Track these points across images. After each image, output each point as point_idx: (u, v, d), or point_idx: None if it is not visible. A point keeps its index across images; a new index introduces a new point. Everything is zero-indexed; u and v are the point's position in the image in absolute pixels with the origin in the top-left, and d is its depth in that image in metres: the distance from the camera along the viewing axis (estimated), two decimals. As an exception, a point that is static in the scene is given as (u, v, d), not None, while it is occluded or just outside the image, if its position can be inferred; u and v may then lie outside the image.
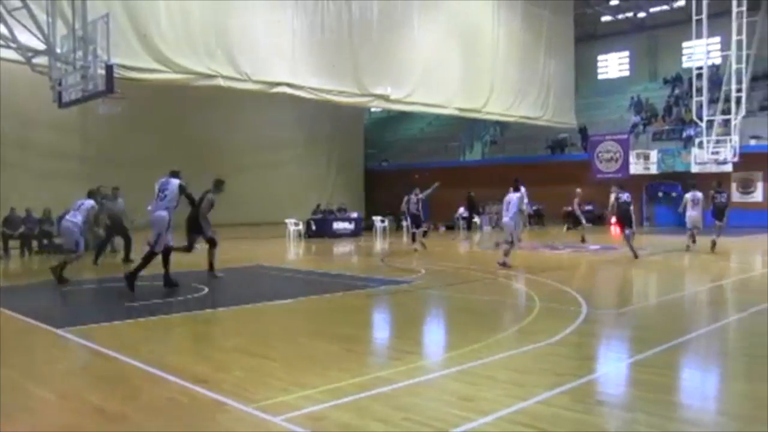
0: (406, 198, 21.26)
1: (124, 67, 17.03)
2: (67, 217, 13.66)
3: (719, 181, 20.00)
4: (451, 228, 32.56)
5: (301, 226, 27.26)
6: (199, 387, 5.68)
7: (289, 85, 22.08)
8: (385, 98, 25.33)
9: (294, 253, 21.58)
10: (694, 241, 19.77)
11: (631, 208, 17.94)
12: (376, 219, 30.78)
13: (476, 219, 33.38)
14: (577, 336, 7.79)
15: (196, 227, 13.51)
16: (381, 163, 43.49)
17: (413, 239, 20.81)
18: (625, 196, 17.99)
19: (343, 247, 23.11)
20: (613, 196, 18.32)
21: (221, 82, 20.43)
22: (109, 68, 13.42)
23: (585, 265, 16.31)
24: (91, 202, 13.86)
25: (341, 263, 17.91)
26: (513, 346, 7.08)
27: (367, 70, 24.21)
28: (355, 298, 11.06)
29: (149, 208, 11.95)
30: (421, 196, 21.18)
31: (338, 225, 28.36)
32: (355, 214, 30.49)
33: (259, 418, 4.95)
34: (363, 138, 44.39)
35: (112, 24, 14.02)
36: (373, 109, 42.97)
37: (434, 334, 8.66)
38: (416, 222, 20.92)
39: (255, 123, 34.73)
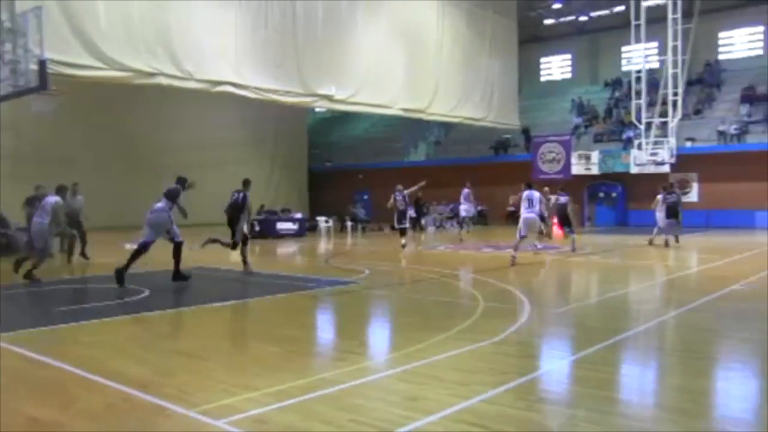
0: (393, 196, 21.60)
1: (58, 62, 16.60)
2: (35, 218, 13.61)
3: (670, 182, 20.71)
4: (395, 228, 32.62)
5: (246, 228, 26.97)
6: (139, 392, 5.58)
7: (232, 84, 21.87)
8: (329, 98, 25.29)
9: (237, 254, 21.32)
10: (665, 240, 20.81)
11: (569, 208, 18.71)
12: (320, 219, 30.71)
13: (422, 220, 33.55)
14: (520, 335, 7.91)
15: (233, 226, 14.78)
16: (325, 164, 43.43)
17: (403, 234, 21.28)
18: (563, 199, 19.06)
19: (287, 248, 22.98)
20: (553, 198, 19.58)
21: (163, 80, 20.11)
22: (42, 63, 13.07)
23: (528, 265, 16.55)
24: (54, 198, 13.76)
25: (285, 264, 17.81)
26: (457, 346, 7.15)
27: (311, 70, 24.13)
28: (299, 300, 11.02)
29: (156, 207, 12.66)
30: (406, 192, 21.63)
31: (282, 225, 28.17)
32: (299, 215, 30.35)
33: (201, 422, 4.89)
34: (307, 138, 44.27)
35: (45, 18, 13.64)
36: (317, 109, 42.89)
37: (379, 335, 8.69)
38: (401, 219, 21.41)
39: (197, 122, 34.36)
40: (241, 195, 14.66)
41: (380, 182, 39.27)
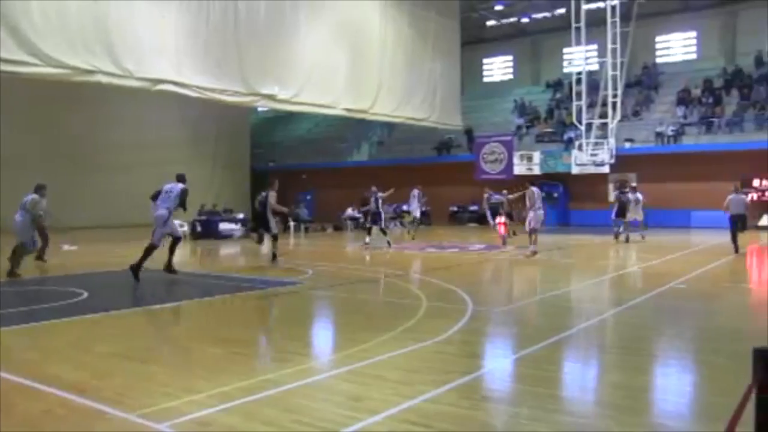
0: (371, 197, 22.21)
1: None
2: (17, 216, 14.50)
3: (623, 181, 21.43)
4: (338, 228, 32.62)
5: (186, 228, 26.61)
6: (78, 396, 5.46)
7: (173, 83, 21.54)
8: (272, 98, 25.12)
9: (178, 254, 21.01)
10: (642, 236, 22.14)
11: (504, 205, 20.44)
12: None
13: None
14: (463, 334, 7.99)
15: (264, 223, 16.64)
16: (268, 164, 43.09)
17: (384, 233, 22.00)
18: (495, 197, 21.39)
19: (229, 249, 22.74)
20: (485, 196, 22.18)
21: (101, 78, 19.70)
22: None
23: (470, 264, 16.72)
24: (31, 196, 14.69)
25: (227, 265, 17.62)
26: (401, 346, 7.18)
27: (254, 70, 23.93)
28: (242, 300, 10.92)
29: (157, 204, 13.50)
30: (380, 195, 22.21)
31: (224, 226, 27.85)
32: (241, 215, 30.05)
33: (141, 426, 4.81)
34: (249, 138, 43.87)
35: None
36: (260, 109, 42.56)
37: (322, 336, 8.67)
38: (375, 219, 22.10)
39: (138, 121, 33.78)
40: (265, 194, 16.53)
41: (324, 182, 39.26)
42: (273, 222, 16.51)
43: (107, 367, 6.55)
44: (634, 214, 23.17)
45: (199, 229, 27.21)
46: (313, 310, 10.51)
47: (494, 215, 22.08)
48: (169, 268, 13.74)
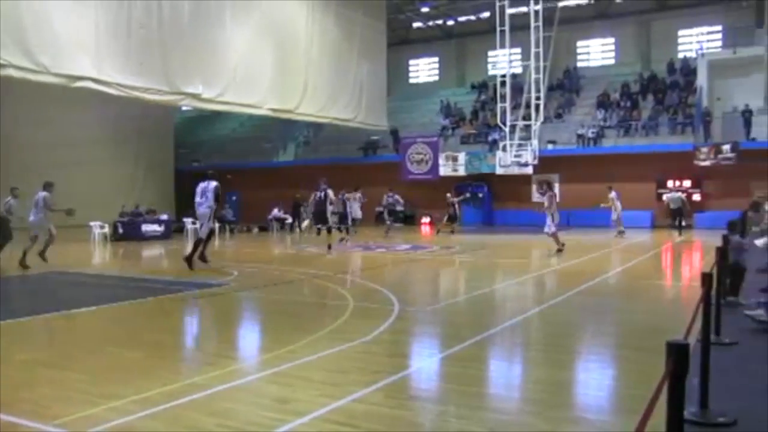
0: (339, 198, 23.50)
1: None
2: (32, 215, 15.98)
3: (549, 181, 22.16)
4: (264, 229, 32.33)
5: (107, 229, 25.95)
6: (-11, 406, 5.24)
7: (93, 80, 20.93)
8: (196, 97, 24.72)
9: (99, 257, 20.52)
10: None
11: (397, 207, 21.86)
12: (187, 221, 29.93)
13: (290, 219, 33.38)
14: (390, 334, 8.03)
15: (322, 219, 19.74)
16: (192, 164, 42.34)
17: (347, 231, 23.64)
18: (392, 198, 23.98)
19: (152, 250, 22.26)
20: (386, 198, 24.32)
21: (13, 72, 18.98)
22: None
23: (397, 264, 16.82)
24: (43, 193, 16.01)
25: (151, 267, 17.25)
26: (328, 347, 7.16)
27: (177, 68, 23.49)
28: (166, 303, 10.71)
29: (196, 203, 15.26)
30: (347, 196, 24.04)
31: (147, 227, 27.24)
32: (164, 216, 29.46)
33: (58, 435, 4.66)
34: (173, 137, 43.05)
35: None
36: (184, 108, 41.79)
37: (248, 338, 8.58)
38: (343, 219, 23.89)
39: (57, 119, 32.68)
40: (323, 193, 19.50)
41: (249, 183, 38.82)
42: (330, 217, 19.83)
43: (22, 376, 6.27)
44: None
45: (120, 230, 26.52)
46: (238, 312, 10.39)
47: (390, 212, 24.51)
48: (199, 258, 15.10)
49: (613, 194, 25.18)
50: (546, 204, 19.10)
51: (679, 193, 27.06)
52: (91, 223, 25.41)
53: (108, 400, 5.35)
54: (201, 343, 8.29)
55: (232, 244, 24.91)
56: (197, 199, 15.19)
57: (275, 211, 33.10)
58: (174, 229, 28.82)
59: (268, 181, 38.15)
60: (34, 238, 16.02)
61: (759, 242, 11.69)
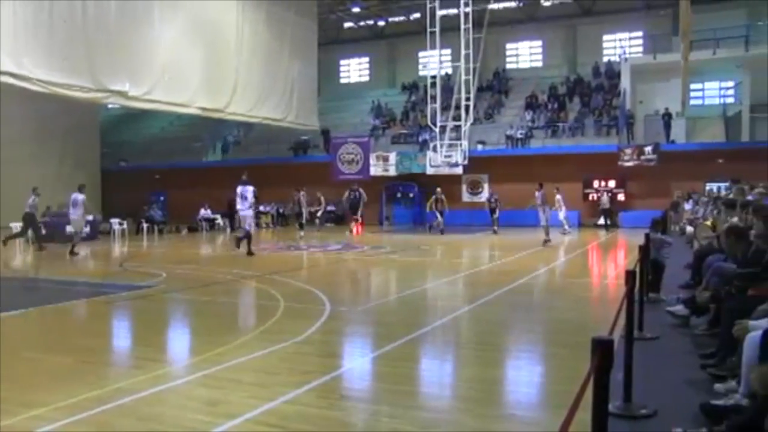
0: (297, 198, 25.94)
1: None
2: (71, 213, 20.21)
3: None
4: (193, 230, 31.81)
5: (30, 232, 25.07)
6: None
7: (12, 75, 20.15)
8: (123, 95, 24.07)
9: (21, 258, 19.86)
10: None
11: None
12: (114, 221, 29.23)
13: (220, 220, 32.97)
14: (321, 334, 8.01)
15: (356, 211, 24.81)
16: (119, 163, 41.38)
17: (302, 228, 25.49)
18: (357, 193, 24.57)
19: (78, 252, 21.61)
20: (349, 194, 24.84)
21: None
22: None
23: (328, 264, 16.80)
24: (81, 196, 20.06)
25: (76, 269, 16.76)
26: (258, 348, 7.10)
27: (103, 65, 22.83)
28: (93, 306, 10.43)
29: (238, 207, 18.51)
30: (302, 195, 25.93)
31: (72, 228, 26.38)
32: (90, 217, 28.66)
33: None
34: (99, 136, 41.91)
35: None
36: (110, 106, 40.73)
37: (177, 340, 8.44)
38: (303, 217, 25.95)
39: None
40: (358, 192, 24.90)
41: (178, 183, 38.16)
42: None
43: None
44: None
45: (43, 231, 25.65)
46: (167, 314, 10.19)
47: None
48: (245, 250, 17.81)
49: (559, 196, 25.79)
50: (538, 202, 22.39)
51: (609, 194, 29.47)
52: (12, 224, 24.57)
53: (30, 408, 5.17)
54: (129, 346, 8.11)
55: (161, 245, 24.44)
56: (238, 201, 18.11)
57: (203, 211, 32.62)
58: (100, 230, 28.09)
59: (197, 181, 37.53)
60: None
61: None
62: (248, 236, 17.99)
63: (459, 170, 32.07)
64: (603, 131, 32.37)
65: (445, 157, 31.61)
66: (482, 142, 33.53)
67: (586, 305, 10.47)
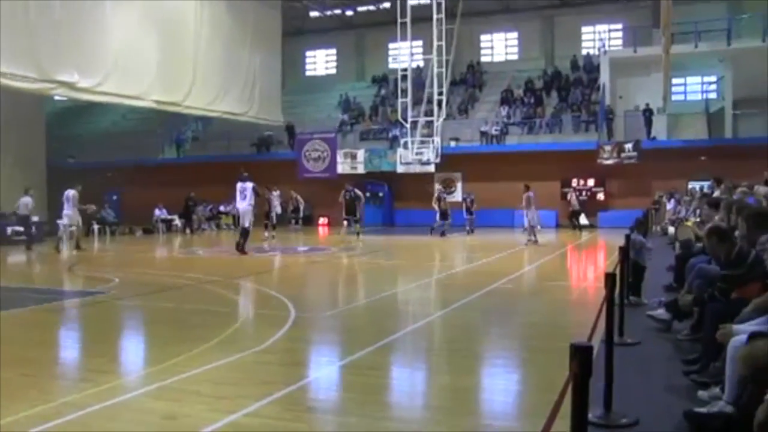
0: (269, 197, 26.25)
1: None
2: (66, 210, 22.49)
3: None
4: (149, 231, 31.49)
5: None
6: None
7: (-58, 62, 19.80)
8: (71, 86, 23.72)
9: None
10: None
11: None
12: (62, 223, 28.84)
13: (178, 222, 32.70)
14: (285, 342, 7.97)
15: (353, 212, 24.93)
16: (67, 160, 40.78)
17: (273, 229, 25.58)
18: (352, 193, 25.06)
19: (20, 255, 21.32)
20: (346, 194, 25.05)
21: None
22: None
23: (293, 268, 16.74)
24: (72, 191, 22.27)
25: (21, 274, 16.50)
26: (218, 357, 7.04)
27: (49, 54, 22.44)
28: (37, 314, 10.26)
29: (237, 205, 20.27)
30: (276, 194, 26.84)
31: (13, 229, 26.11)
32: (35, 218, 28.25)
33: None
34: (45, 130, 41.26)
35: None
36: (57, 98, 40.14)
37: (131, 350, 8.33)
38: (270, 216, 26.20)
39: None
40: (353, 192, 24.86)
41: (132, 181, 37.68)
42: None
43: None
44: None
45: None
46: (119, 322, 10.07)
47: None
48: (238, 250, 19.05)
49: (530, 193, 25.83)
50: (523, 204, 22.82)
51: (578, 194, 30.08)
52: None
53: (-34, 425, 5.07)
54: (77, 357, 7.99)
55: (113, 248, 24.19)
56: (238, 198, 19.54)
57: (158, 212, 32.30)
58: (46, 232, 27.70)
59: (152, 179, 37.11)
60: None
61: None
62: (246, 233, 19.30)
63: (431, 168, 32.16)
64: (582, 127, 32.65)
65: (417, 154, 31.70)
66: (456, 139, 33.64)
67: (564, 309, 10.55)
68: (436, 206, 27.02)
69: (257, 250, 20.75)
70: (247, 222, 19.31)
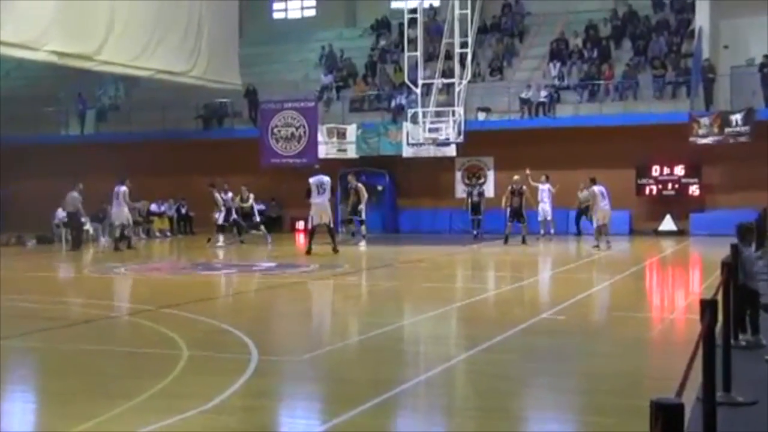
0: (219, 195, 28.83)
1: None
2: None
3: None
4: (46, 241, 31.35)
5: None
6: None
7: None
8: None
9: None
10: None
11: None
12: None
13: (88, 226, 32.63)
14: (244, 398, 7.94)
15: (356, 212, 28.46)
16: None
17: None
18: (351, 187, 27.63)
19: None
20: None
21: None
22: None
23: (255, 293, 16.71)
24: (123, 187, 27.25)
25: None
26: (147, 421, 7.00)
27: None
28: None
29: (316, 200, 24.17)
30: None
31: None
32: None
33: None
34: None
35: None
36: None
37: (18, 411, 8.29)
38: (227, 216, 28.91)
39: None
40: (353, 187, 28.30)
41: (21, 169, 37.33)
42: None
43: None
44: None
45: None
46: (4, 370, 10.03)
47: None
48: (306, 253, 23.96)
49: (547, 186, 26.34)
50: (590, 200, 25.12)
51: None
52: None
53: None
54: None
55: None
56: (314, 192, 24.01)
57: (60, 213, 32.12)
58: None
59: (51, 166, 36.77)
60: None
61: None
62: (331, 231, 24.52)
63: (451, 151, 32.07)
64: (667, 92, 32.51)
65: (431, 131, 31.55)
66: (485, 110, 33.55)
67: (641, 352, 10.50)
68: (506, 203, 27.58)
69: (204, 266, 20.74)
70: (326, 219, 24.20)
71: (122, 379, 8.84)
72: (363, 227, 28.11)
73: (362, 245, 27.26)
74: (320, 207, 24.22)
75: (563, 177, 28.37)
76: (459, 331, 12.55)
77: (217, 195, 28.51)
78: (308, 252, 23.78)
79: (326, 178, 24.33)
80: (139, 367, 9.57)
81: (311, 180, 24.31)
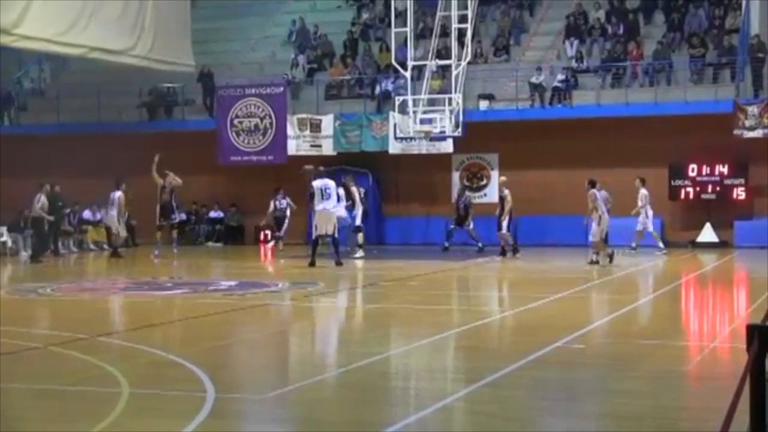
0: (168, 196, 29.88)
1: None
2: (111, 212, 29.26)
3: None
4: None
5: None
6: None
7: None
8: None
9: None
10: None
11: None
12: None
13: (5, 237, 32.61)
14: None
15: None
16: None
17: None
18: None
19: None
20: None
21: None
22: None
23: (212, 317, 16.70)
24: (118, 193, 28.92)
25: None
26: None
27: None
28: None
29: (320, 207, 25.37)
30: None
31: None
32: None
33: None
34: None
35: None
36: None
37: None
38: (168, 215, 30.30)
39: None
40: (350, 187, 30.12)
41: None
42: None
43: None
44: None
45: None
46: None
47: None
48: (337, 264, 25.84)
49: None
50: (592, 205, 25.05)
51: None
52: None
53: None
54: None
55: None
56: (320, 198, 25.36)
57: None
58: None
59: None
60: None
61: None
62: (336, 242, 26.16)
63: (447, 146, 32.11)
64: (707, 76, 32.59)
65: (423, 122, 31.58)
66: (488, 97, 33.61)
67: (675, 388, 10.53)
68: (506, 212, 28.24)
69: (149, 286, 20.72)
70: (332, 228, 25.68)
71: (47, 423, 8.83)
72: (360, 235, 28.91)
73: (358, 256, 28.11)
74: (325, 214, 25.46)
75: (580, 178, 28.35)
76: (457, 363, 12.58)
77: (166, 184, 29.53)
78: (311, 264, 25.24)
79: (332, 182, 25.92)
80: (69, 409, 9.55)
81: (315, 184, 25.63)
